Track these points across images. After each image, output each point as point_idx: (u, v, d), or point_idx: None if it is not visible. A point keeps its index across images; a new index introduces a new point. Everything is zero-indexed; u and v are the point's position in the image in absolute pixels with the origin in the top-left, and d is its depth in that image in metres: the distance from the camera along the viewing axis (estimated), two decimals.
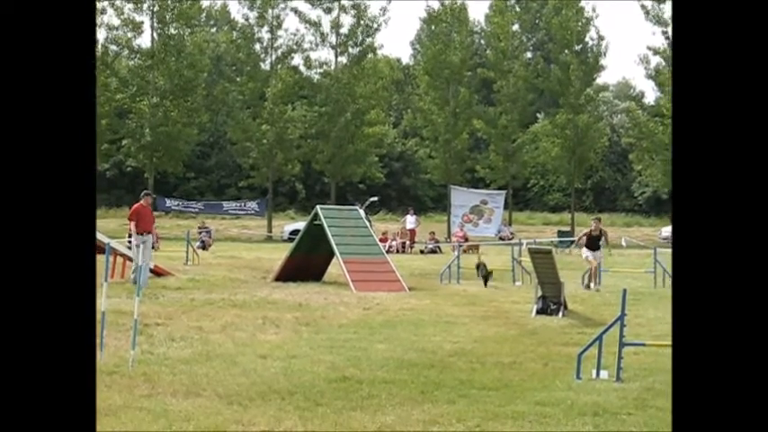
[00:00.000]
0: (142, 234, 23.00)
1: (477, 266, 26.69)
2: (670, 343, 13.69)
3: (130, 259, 23.95)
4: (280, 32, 61.87)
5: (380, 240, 34.93)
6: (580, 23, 63.48)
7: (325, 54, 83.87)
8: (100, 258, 12.53)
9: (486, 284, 25.38)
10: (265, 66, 62.64)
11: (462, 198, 58.28)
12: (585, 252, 26.60)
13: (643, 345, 13.18)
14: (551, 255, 20.30)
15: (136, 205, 24.08)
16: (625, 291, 12.00)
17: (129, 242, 23.90)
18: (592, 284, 25.47)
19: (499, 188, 62.90)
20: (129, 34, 58.09)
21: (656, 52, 61.31)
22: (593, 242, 26.46)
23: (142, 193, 24.90)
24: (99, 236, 20.39)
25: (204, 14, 77.17)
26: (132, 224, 23.36)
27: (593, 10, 69.93)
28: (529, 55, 75.66)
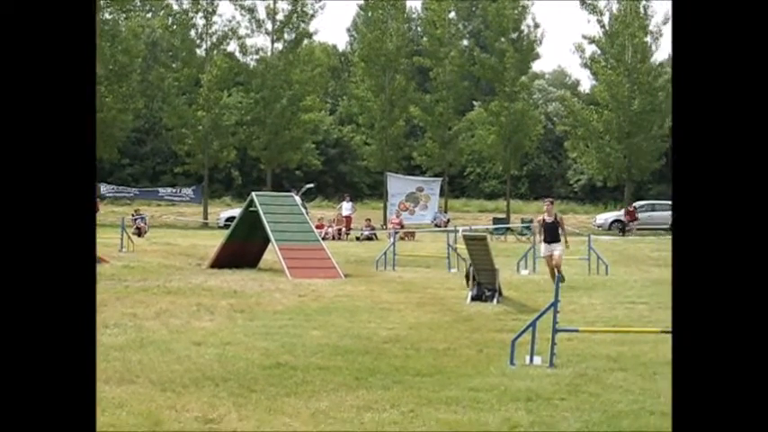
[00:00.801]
0: None
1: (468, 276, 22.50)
2: (603, 329, 13.88)
3: None
4: (215, 18, 61.61)
5: (316, 227, 34.95)
6: (516, 11, 63.70)
7: (261, 41, 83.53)
8: None
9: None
10: (201, 52, 62.33)
11: (398, 185, 58.17)
12: (543, 248, 23.17)
13: (576, 331, 13.32)
14: (486, 241, 20.36)
15: None
16: (558, 277, 12.09)
17: None
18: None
19: (435, 175, 63.02)
20: None
21: (591, 41, 61.79)
22: (549, 232, 22.88)
23: None
24: None
25: None
26: None
27: None
28: (465, 42, 75.74)
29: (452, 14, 67.09)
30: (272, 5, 61.69)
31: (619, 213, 61.51)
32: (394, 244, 28.67)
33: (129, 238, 32.83)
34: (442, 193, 61.13)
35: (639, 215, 56.65)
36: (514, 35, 63.73)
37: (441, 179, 61.30)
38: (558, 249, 22.51)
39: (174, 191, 64.89)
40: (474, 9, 77.94)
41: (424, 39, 68.50)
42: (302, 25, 62.05)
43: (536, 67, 71.88)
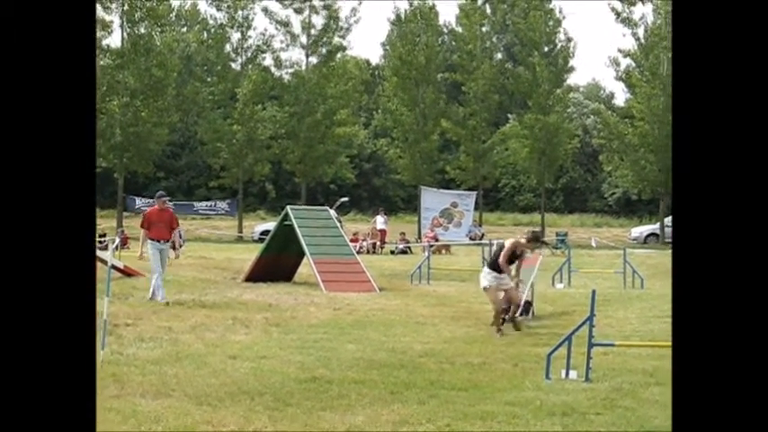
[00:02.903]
0: (159, 241, 21.65)
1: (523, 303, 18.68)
2: (639, 343, 13.80)
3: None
4: (250, 33, 61.90)
5: (351, 241, 34.94)
6: (549, 25, 63.64)
7: (295, 54, 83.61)
8: None
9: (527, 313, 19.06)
10: (236, 66, 62.55)
11: (432, 199, 57.85)
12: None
13: (612, 345, 13.23)
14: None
15: (148, 210, 23.08)
16: (594, 291, 12.03)
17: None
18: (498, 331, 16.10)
19: (469, 189, 62.72)
20: (99, 33, 57.50)
21: (626, 54, 61.57)
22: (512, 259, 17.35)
23: (156, 195, 22.93)
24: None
25: (174, 14, 76.86)
26: (143, 231, 21.69)
27: (560, 11, 69.85)
28: (499, 56, 75.67)
29: (485, 28, 67.04)
30: (307, 20, 61.91)
31: (654, 227, 61.19)
32: (429, 258, 28.59)
33: None
34: (476, 207, 60.93)
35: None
36: (547, 48, 63.68)
37: (475, 192, 61.04)
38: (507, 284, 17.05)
39: (208, 204, 65.18)
40: (507, 23, 77.77)
41: (457, 53, 68.42)
42: (336, 39, 62.18)
43: (571, 80, 71.62)
